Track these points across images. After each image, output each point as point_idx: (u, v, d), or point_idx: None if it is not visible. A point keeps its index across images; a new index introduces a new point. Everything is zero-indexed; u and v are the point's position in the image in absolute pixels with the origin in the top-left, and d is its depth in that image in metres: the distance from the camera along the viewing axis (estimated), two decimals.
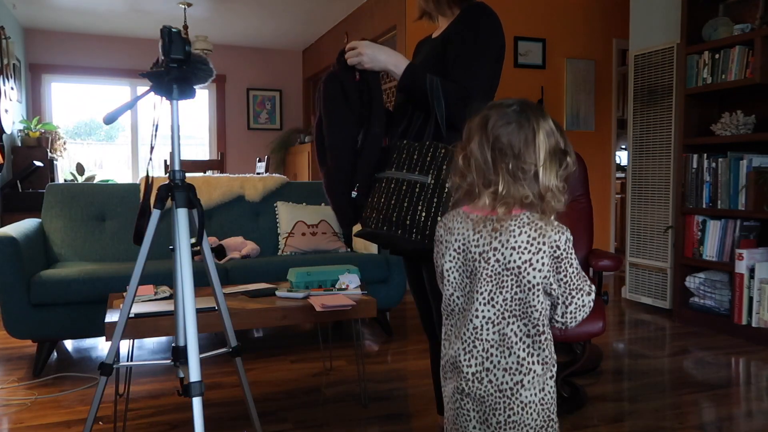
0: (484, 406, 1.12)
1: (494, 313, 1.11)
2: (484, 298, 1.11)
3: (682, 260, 3.78)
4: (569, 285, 1.13)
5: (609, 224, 5.58)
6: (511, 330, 1.11)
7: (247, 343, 3.35)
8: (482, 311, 1.11)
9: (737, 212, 3.46)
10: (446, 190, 1.54)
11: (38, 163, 5.29)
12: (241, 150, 7.71)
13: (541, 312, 1.11)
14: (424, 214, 1.53)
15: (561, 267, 1.12)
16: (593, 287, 1.18)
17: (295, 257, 3.41)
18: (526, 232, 1.09)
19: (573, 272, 1.13)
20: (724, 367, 2.94)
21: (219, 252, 3.36)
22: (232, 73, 7.67)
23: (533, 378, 1.12)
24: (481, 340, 1.11)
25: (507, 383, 1.11)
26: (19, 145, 5.91)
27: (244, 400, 1.93)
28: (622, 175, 5.91)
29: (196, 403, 1.53)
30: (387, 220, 1.58)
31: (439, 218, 1.51)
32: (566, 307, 1.15)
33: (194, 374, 1.54)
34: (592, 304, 1.17)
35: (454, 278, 1.15)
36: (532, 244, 1.09)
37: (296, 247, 3.58)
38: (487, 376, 1.12)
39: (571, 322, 1.16)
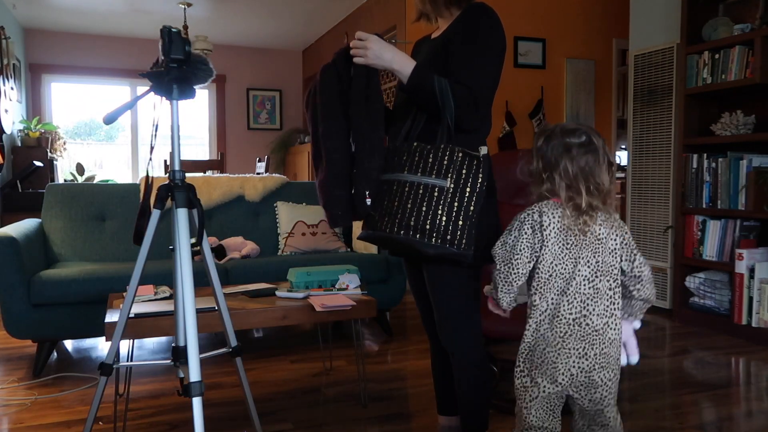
0: (584, 343, 1.46)
1: (590, 272, 1.47)
2: (586, 261, 1.46)
3: (682, 260, 3.78)
4: (637, 261, 1.50)
5: None
6: (602, 284, 1.47)
7: (247, 343, 3.35)
8: (582, 271, 1.46)
9: (737, 212, 3.46)
10: (466, 194, 1.53)
11: (38, 163, 5.29)
12: (241, 150, 7.72)
13: (618, 270, 1.49)
14: (444, 218, 1.51)
15: (629, 247, 1.50)
16: None
17: (295, 257, 3.41)
18: (607, 218, 1.50)
19: (637, 253, 1.51)
20: (724, 367, 2.94)
21: (219, 252, 3.36)
22: (232, 73, 7.67)
23: (615, 320, 1.48)
24: (580, 293, 1.46)
25: (599, 324, 1.47)
26: (19, 145, 5.91)
27: (244, 400, 1.93)
28: (622, 175, 5.88)
29: (196, 403, 1.53)
30: (404, 225, 1.55)
31: (460, 222, 1.52)
32: (640, 281, 1.51)
33: (194, 374, 1.54)
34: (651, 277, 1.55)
35: (558, 249, 1.47)
36: (612, 225, 1.50)
37: (296, 247, 3.58)
38: (584, 320, 1.46)
39: (647, 290, 1.52)
